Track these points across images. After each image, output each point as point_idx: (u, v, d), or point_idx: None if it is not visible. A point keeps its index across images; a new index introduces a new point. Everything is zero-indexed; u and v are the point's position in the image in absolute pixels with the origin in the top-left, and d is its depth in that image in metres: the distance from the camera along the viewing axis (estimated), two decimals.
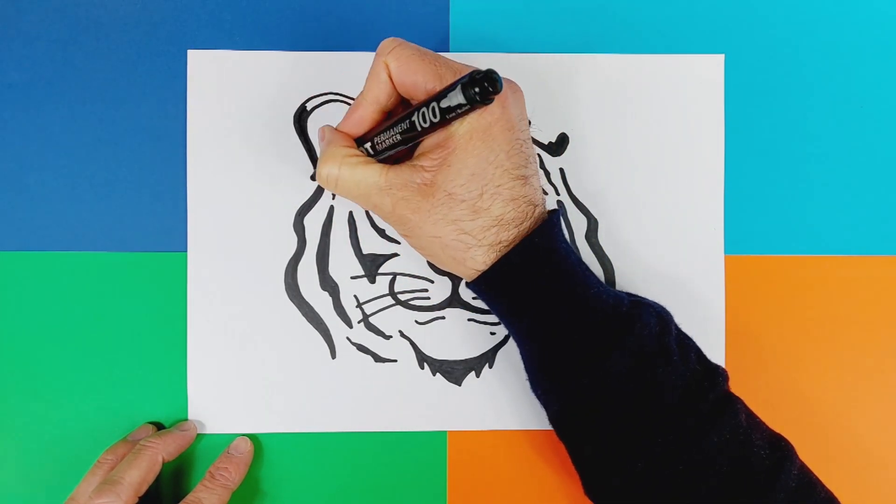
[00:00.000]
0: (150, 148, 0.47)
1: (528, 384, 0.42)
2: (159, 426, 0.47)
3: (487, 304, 0.42)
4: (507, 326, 0.42)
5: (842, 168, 0.48)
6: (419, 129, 0.38)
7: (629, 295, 0.41)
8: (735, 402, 0.40)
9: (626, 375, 0.38)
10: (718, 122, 0.48)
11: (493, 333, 0.47)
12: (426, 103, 0.37)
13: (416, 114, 0.37)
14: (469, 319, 0.47)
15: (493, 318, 0.47)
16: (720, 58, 0.48)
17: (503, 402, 0.47)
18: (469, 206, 0.38)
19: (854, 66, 0.48)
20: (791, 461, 0.38)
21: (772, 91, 0.48)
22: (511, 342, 0.47)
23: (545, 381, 0.41)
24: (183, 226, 0.47)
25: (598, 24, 0.48)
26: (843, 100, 0.48)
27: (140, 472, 0.42)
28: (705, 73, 0.48)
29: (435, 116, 0.36)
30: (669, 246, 0.48)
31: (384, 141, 0.40)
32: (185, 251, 0.47)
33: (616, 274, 0.47)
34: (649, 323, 0.39)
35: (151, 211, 0.47)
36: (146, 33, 0.47)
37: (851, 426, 0.47)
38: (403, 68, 0.39)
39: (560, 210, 0.41)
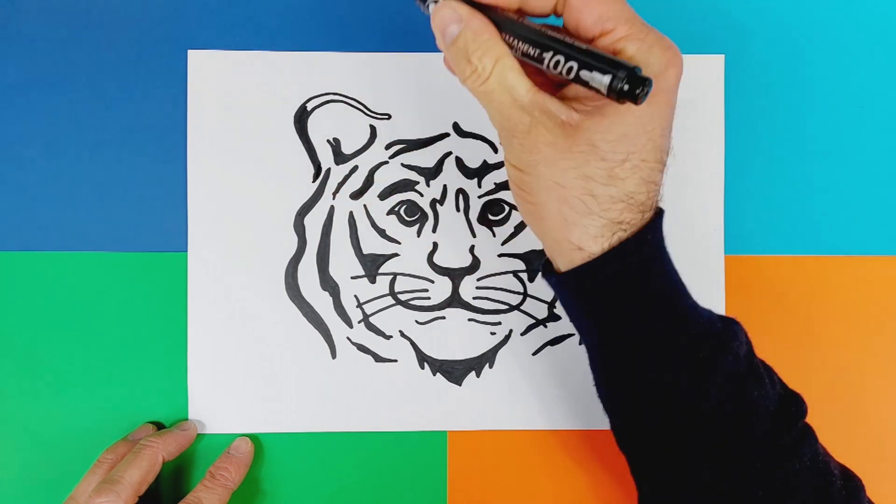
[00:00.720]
0: (150, 148, 0.47)
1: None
2: (159, 426, 0.47)
3: (572, 295, 0.36)
4: (584, 327, 0.37)
5: (842, 168, 0.48)
6: (547, 68, 0.32)
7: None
8: (811, 428, 0.37)
9: (721, 400, 0.35)
10: (718, 122, 0.48)
11: (493, 333, 0.47)
12: (566, 51, 0.31)
13: (549, 56, 0.32)
14: (469, 319, 0.47)
15: (492, 318, 0.47)
16: (720, 58, 0.48)
17: (503, 402, 0.47)
18: (607, 168, 0.33)
19: (854, 66, 0.48)
20: (864, 493, 0.37)
21: (772, 91, 0.48)
22: (511, 342, 0.47)
23: (622, 391, 0.37)
24: (183, 226, 0.47)
25: None
26: (843, 100, 0.48)
27: (140, 472, 0.42)
28: (705, 73, 0.48)
29: (569, 75, 0.31)
30: (669, 246, 0.47)
31: (512, 44, 0.33)
32: (185, 251, 0.47)
33: None
34: (744, 341, 0.36)
35: (151, 211, 0.47)
36: (146, 33, 0.47)
37: (852, 426, 0.47)
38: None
39: (662, 213, 0.36)
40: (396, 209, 0.47)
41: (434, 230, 0.47)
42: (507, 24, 0.34)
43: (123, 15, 0.47)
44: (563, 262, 0.35)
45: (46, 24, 0.47)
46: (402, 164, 0.47)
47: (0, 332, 0.46)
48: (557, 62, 0.32)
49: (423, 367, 0.47)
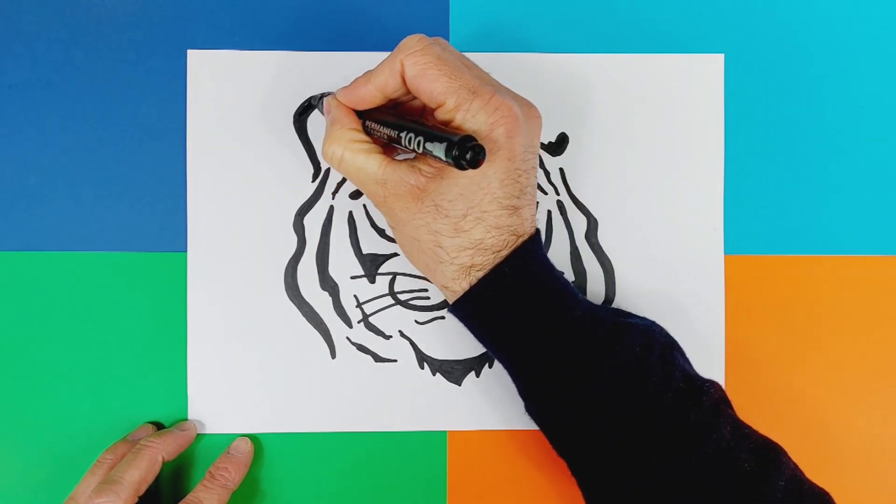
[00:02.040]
0: (150, 148, 0.47)
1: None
2: (159, 426, 0.47)
3: (470, 330, 0.42)
4: (493, 354, 0.42)
5: (842, 168, 0.48)
6: (404, 147, 0.37)
7: (617, 315, 0.41)
8: (720, 415, 0.39)
9: (605, 401, 0.38)
10: (718, 122, 0.48)
11: None
12: (416, 129, 0.37)
13: (403, 134, 0.37)
14: None
15: None
16: (720, 58, 0.48)
17: (503, 402, 0.47)
18: (451, 224, 0.38)
19: (854, 66, 0.48)
20: (778, 471, 0.38)
21: (772, 91, 0.48)
22: None
23: (533, 404, 0.41)
24: (183, 226, 0.47)
25: (598, 24, 0.48)
26: (843, 99, 0.48)
27: (140, 472, 0.42)
28: (705, 73, 0.48)
29: (419, 148, 0.36)
30: (669, 246, 0.48)
31: (376, 130, 0.40)
32: (185, 251, 0.47)
33: (616, 274, 0.47)
34: (630, 345, 0.39)
35: (151, 211, 0.47)
36: (146, 33, 0.47)
37: (851, 426, 0.47)
38: (419, 76, 0.38)
39: (537, 235, 0.40)
40: None
41: None
42: (372, 115, 0.41)
43: (123, 15, 0.47)
44: (446, 298, 0.41)
45: (46, 24, 0.47)
46: None
47: (0, 332, 0.46)
48: (410, 139, 0.37)
49: (422, 367, 0.47)
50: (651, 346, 0.40)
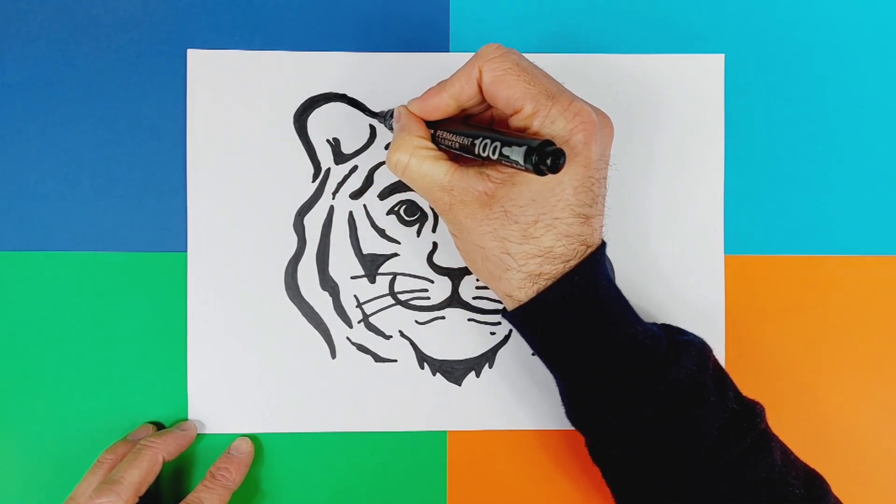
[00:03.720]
0: (150, 148, 0.47)
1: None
2: (159, 426, 0.47)
3: (523, 336, 0.41)
4: (542, 360, 0.42)
5: (842, 168, 0.48)
6: (477, 155, 0.37)
7: (669, 331, 0.41)
8: (770, 439, 0.39)
9: (660, 420, 0.38)
10: (718, 122, 0.48)
11: (493, 333, 0.47)
12: (491, 136, 0.36)
13: (478, 141, 0.37)
14: (469, 319, 0.47)
15: (493, 318, 0.47)
16: (720, 58, 0.48)
17: (503, 402, 0.47)
18: (520, 230, 0.38)
19: (854, 66, 0.48)
20: (828, 496, 0.39)
21: (772, 91, 0.48)
22: (511, 341, 0.47)
23: (580, 415, 0.41)
24: (183, 226, 0.47)
25: (598, 23, 0.48)
26: (843, 99, 0.48)
27: (140, 472, 0.42)
28: (705, 73, 0.48)
29: (494, 155, 0.36)
30: (669, 246, 0.48)
31: (447, 139, 0.39)
32: (185, 251, 0.47)
33: (616, 274, 0.47)
34: (686, 365, 0.38)
35: (151, 211, 0.47)
36: (146, 33, 0.47)
37: (852, 425, 0.47)
38: (497, 82, 0.37)
39: (603, 246, 0.40)
40: (396, 209, 0.47)
41: (434, 230, 0.47)
42: (442, 126, 0.40)
43: (123, 15, 0.47)
44: (506, 306, 0.41)
45: (46, 24, 0.47)
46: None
47: (0, 332, 0.46)
48: (485, 146, 0.36)
49: (422, 367, 0.47)
50: (705, 364, 0.39)
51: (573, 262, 0.38)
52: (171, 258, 0.47)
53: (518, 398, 0.47)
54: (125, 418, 0.46)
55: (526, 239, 0.38)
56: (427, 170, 0.39)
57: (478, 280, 0.47)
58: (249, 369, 0.47)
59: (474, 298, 0.47)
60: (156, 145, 0.47)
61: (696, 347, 0.40)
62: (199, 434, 0.46)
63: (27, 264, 0.46)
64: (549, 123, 0.37)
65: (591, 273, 0.38)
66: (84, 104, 0.47)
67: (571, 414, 0.41)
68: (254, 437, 0.47)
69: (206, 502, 0.43)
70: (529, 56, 0.47)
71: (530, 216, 0.37)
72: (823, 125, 0.48)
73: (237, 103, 0.47)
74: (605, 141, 0.39)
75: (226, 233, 0.47)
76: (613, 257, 0.47)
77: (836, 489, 0.40)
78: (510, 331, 0.47)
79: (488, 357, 0.47)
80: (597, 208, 0.39)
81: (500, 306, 0.47)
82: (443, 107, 0.40)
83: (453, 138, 0.39)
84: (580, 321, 0.38)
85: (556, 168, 0.34)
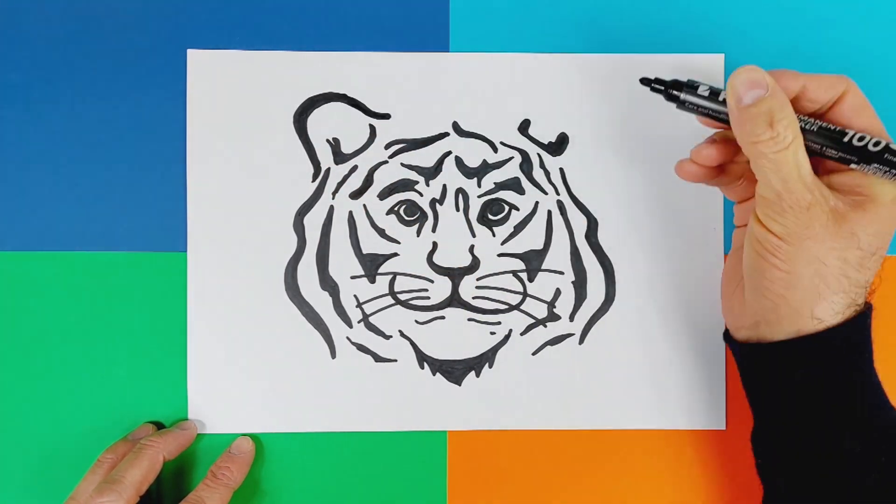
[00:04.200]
0: (150, 148, 0.47)
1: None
2: (159, 426, 0.47)
3: (778, 366, 0.39)
4: (776, 398, 0.40)
5: None
6: (842, 144, 0.37)
7: None
8: None
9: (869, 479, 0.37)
10: None
11: (492, 333, 0.47)
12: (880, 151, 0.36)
13: (852, 133, 0.37)
14: (469, 319, 0.47)
15: (492, 317, 0.47)
16: (720, 58, 0.48)
17: (503, 402, 0.47)
18: (860, 257, 0.37)
19: (854, 66, 0.48)
20: None
21: None
22: (511, 342, 0.47)
23: (770, 460, 0.40)
24: (183, 226, 0.47)
25: (598, 24, 0.47)
26: None
27: (141, 471, 0.42)
28: (705, 73, 0.48)
29: (874, 147, 0.36)
30: (669, 246, 0.48)
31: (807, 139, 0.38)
32: (185, 251, 0.47)
33: (616, 274, 0.47)
34: None
35: (151, 211, 0.47)
36: (146, 33, 0.47)
37: None
38: (864, 110, 0.38)
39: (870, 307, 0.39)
40: (396, 209, 0.47)
41: (434, 230, 0.47)
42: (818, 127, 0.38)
43: (123, 15, 0.47)
44: (789, 330, 0.38)
45: (46, 24, 0.47)
46: (402, 164, 0.47)
47: (0, 332, 0.46)
48: (862, 138, 0.36)
49: (422, 367, 0.47)
50: None
51: (862, 302, 0.38)
52: (171, 258, 0.47)
53: (518, 398, 0.47)
54: (125, 418, 0.46)
55: (861, 268, 0.37)
56: (801, 159, 0.36)
57: (478, 279, 0.47)
58: (249, 369, 0.47)
59: (474, 298, 0.47)
60: (156, 145, 0.47)
61: None
62: (199, 434, 0.46)
63: (27, 264, 0.46)
64: None
65: (869, 320, 0.39)
66: (84, 104, 0.47)
67: (780, 466, 0.40)
68: (254, 437, 0.47)
69: (207, 501, 0.43)
70: (529, 56, 0.47)
71: (873, 246, 0.37)
72: None
73: (237, 103, 0.47)
74: None
75: (226, 233, 0.47)
76: (613, 257, 0.47)
77: None
78: (510, 331, 0.47)
79: (488, 357, 0.47)
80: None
81: (499, 306, 0.47)
82: (793, 86, 0.38)
83: (822, 141, 0.37)
84: (853, 366, 0.38)
85: None
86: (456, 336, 0.47)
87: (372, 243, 0.47)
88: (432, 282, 0.47)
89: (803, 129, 0.37)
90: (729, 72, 0.48)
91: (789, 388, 0.39)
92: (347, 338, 0.47)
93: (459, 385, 0.47)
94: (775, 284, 0.38)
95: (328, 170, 0.47)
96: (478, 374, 0.47)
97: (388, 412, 0.47)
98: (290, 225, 0.47)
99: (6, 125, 0.47)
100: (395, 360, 0.47)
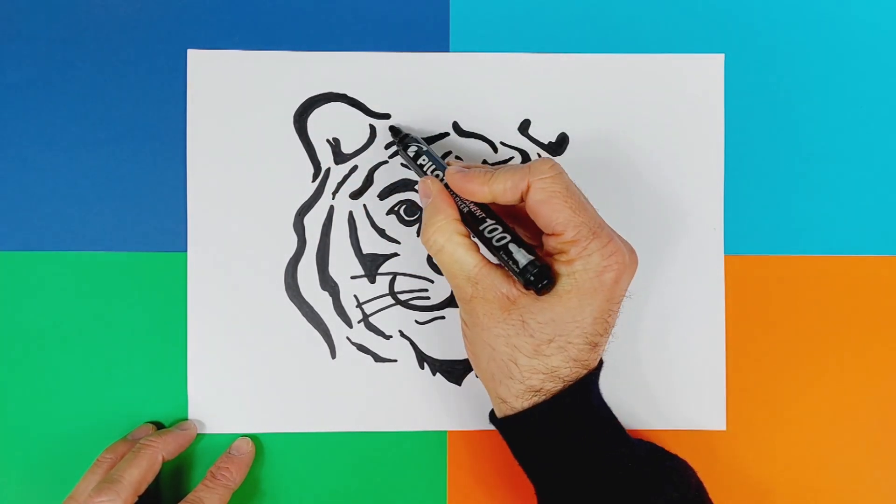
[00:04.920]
0: (150, 148, 0.47)
1: None
2: (159, 426, 0.47)
3: (508, 442, 0.41)
4: (523, 468, 0.41)
5: (842, 168, 0.48)
6: (482, 234, 0.39)
7: (655, 455, 0.41)
8: None
9: None
10: (718, 122, 0.48)
11: None
12: (506, 228, 0.39)
13: (490, 223, 0.40)
14: None
15: None
16: (720, 58, 0.48)
17: (490, 410, 0.47)
18: (532, 344, 0.38)
19: (854, 66, 0.48)
20: None
21: (772, 91, 0.48)
22: None
23: None
24: (183, 226, 0.47)
25: (598, 24, 0.48)
26: (843, 100, 0.48)
27: (140, 471, 0.42)
28: (705, 73, 0.48)
29: (497, 242, 0.39)
30: (669, 246, 0.48)
31: (473, 227, 0.40)
32: (185, 251, 0.47)
33: None
34: (667, 492, 0.39)
35: (151, 211, 0.47)
36: (146, 33, 0.47)
37: (852, 426, 0.47)
38: (544, 204, 0.38)
39: (599, 367, 0.41)
40: (396, 209, 0.47)
41: None
42: (480, 212, 0.41)
43: (123, 15, 0.47)
44: (496, 409, 0.41)
45: (46, 24, 0.47)
46: (402, 164, 0.47)
47: (0, 332, 0.46)
48: (493, 230, 0.39)
49: (422, 367, 0.47)
50: (687, 491, 0.40)
51: (570, 381, 0.39)
52: (171, 258, 0.47)
53: None
54: (125, 418, 0.46)
55: (536, 355, 0.38)
56: (459, 257, 0.39)
57: None
58: (249, 369, 0.47)
59: None
60: (156, 145, 0.47)
61: (677, 473, 0.40)
62: (198, 434, 0.46)
63: (27, 264, 0.46)
64: (585, 255, 0.38)
65: (586, 393, 0.39)
66: (84, 104, 0.47)
67: None
68: (254, 437, 0.47)
69: (206, 502, 0.43)
70: (529, 56, 0.47)
71: (546, 334, 0.38)
72: (823, 125, 0.48)
73: (237, 103, 0.47)
74: (629, 278, 0.40)
75: (226, 233, 0.47)
76: None
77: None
78: None
79: None
80: (606, 337, 0.40)
81: None
82: (480, 196, 0.40)
83: (479, 229, 0.40)
84: (569, 439, 0.39)
85: (541, 290, 0.37)
86: (456, 336, 0.47)
87: (372, 243, 0.47)
88: (432, 282, 0.47)
89: (469, 218, 0.40)
90: (729, 72, 0.48)
91: (526, 459, 0.41)
92: (347, 338, 0.47)
93: (459, 385, 0.47)
94: (472, 363, 0.42)
95: (328, 170, 0.47)
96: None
97: (388, 412, 0.47)
98: (290, 225, 0.47)
99: (6, 125, 0.47)
100: (395, 360, 0.47)
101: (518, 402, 0.39)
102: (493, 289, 0.39)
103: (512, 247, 0.38)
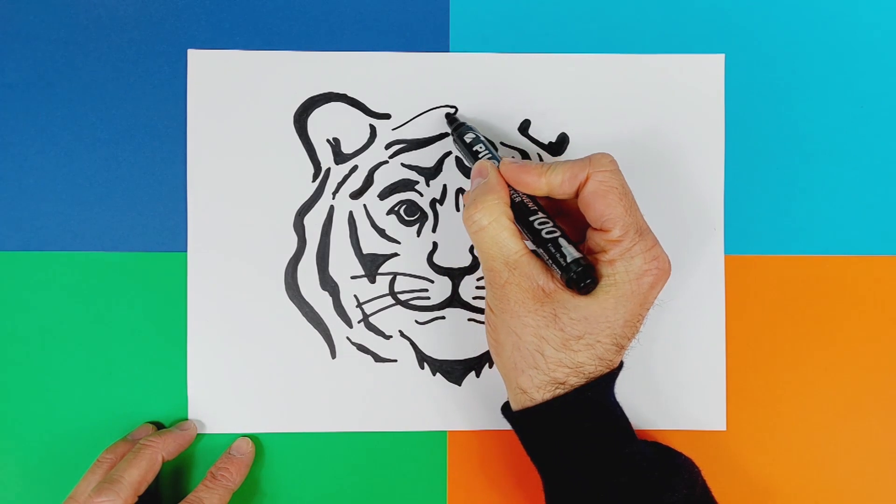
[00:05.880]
0: (150, 148, 0.47)
1: None
2: (159, 426, 0.47)
3: (521, 434, 0.41)
4: (534, 461, 0.41)
5: (842, 168, 0.48)
6: (530, 227, 0.39)
7: (662, 454, 0.41)
8: None
9: None
10: (718, 122, 0.48)
11: None
12: (556, 225, 0.39)
13: (541, 216, 0.39)
14: (469, 319, 0.47)
15: None
16: (720, 58, 0.48)
17: (503, 402, 0.47)
18: (562, 338, 0.38)
19: (854, 66, 0.48)
20: None
21: (772, 91, 0.48)
22: None
23: None
24: (183, 226, 0.47)
25: (598, 24, 0.48)
26: (843, 100, 0.48)
27: (139, 471, 0.42)
28: (705, 73, 0.48)
29: (547, 235, 0.39)
30: (669, 246, 0.47)
31: (522, 217, 0.40)
32: (185, 251, 0.47)
33: None
34: (678, 488, 0.39)
35: (151, 211, 0.47)
36: (146, 33, 0.47)
37: (851, 426, 0.47)
38: (599, 197, 0.38)
39: (619, 368, 0.40)
40: (396, 209, 0.47)
41: (434, 230, 0.47)
42: (531, 205, 0.41)
43: (123, 15, 0.47)
44: (513, 401, 0.41)
45: (46, 24, 0.47)
46: (402, 164, 0.47)
47: (0, 332, 0.46)
48: (545, 223, 0.39)
49: (422, 367, 0.47)
50: (694, 488, 0.40)
51: (593, 378, 0.39)
52: (171, 258, 0.47)
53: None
54: (125, 418, 0.46)
55: (564, 349, 0.38)
56: (502, 239, 0.39)
57: (478, 279, 0.47)
58: (249, 369, 0.47)
59: (474, 298, 0.47)
60: (156, 145, 0.47)
61: (686, 471, 0.40)
62: (198, 434, 0.46)
63: (27, 264, 0.46)
64: (628, 256, 0.38)
65: (605, 390, 0.39)
66: (84, 104, 0.47)
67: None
68: (254, 437, 0.47)
69: (206, 502, 0.43)
70: (529, 56, 0.47)
71: (577, 331, 0.38)
72: (823, 125, 0.48)
73: (237, 103, 0.47)
74: (663, 285, 0.40)
75: (226, 233, 0.47)
76: None
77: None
78: None
79: (488, 357, 0.47)
80: (631, 341, 0.40)
81: None
82: (534, 188, 0.40)
83: (525, 199, 0.40)
84: (588, 433, 0.39)
85: (585, 290, 0.38)
86: (456, 336, 0.47)
87: (372, 243, 0.47)
88: (432, 282, 0.47)
89: (520, 208, 0.40)
90: (729, 72, 0.48)
91: (540, 453, 0.41)
92: (347, 338, 0.47)
93: (459, 385, 0.47)
94: (493, 352, 0.41)
95: (328, 170, 0.47)
96: (478, 374, 0.47)
97: (388, 412, 0.47)
98: (290, 225, 0.47)
99: (6, 125, 0.47)
100: (395, 360, 0.47)
101: (539, 393, 0.39)
102: (529, 278, 0.38)
103: (562, 241, 0.38)
